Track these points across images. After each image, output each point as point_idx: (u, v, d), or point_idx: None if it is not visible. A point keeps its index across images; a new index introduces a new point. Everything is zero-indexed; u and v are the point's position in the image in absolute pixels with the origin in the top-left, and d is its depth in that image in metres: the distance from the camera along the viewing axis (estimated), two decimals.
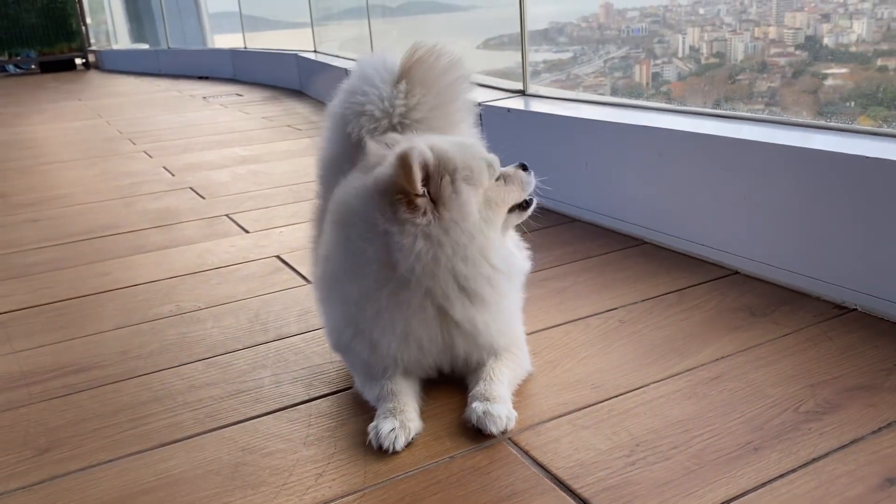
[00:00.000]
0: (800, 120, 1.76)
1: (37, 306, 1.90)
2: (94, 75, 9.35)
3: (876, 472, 1.04)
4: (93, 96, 7.05)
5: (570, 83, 3.23)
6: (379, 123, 1.37)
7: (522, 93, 2.65)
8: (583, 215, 2.20)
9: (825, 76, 2.22)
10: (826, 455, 1.09)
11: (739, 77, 2.47)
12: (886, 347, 1.37)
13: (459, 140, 1.27)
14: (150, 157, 3.80)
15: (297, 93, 5.90)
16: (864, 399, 1.22)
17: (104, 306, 1.87)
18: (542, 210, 2.29)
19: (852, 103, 2.22)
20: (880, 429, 1.14)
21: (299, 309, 1.75)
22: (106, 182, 3.30)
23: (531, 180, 1.30)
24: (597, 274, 1.83)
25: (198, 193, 2.96)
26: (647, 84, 2.83)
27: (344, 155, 1.38)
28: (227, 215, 2.61)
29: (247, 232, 2.41)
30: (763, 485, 1.04)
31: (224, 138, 4.20)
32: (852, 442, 1.11)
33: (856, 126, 1.64)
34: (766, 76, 2.36)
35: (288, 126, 4.45)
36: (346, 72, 4.41)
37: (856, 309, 1.52)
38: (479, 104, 2.53)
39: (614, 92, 2.98)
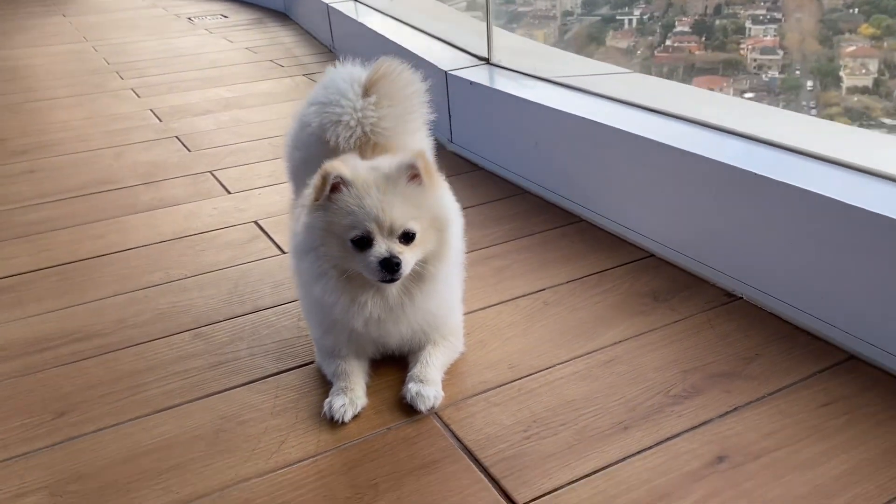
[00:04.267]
0: (720, 124, 1.97)
1: (40, 269, 2.15)
2: None
3: (712, 451, 1.34)
4: (77, 11, 7.00)
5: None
6: (353, 131, 1.59)
7: (487, 61, 2.82)
8: (532, 188, 2.44)
9: None
10: (678, 435, 1.39)
11: None
12: (755, 337, 1.65)
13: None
14: (138, 96, 3.95)
15: (282, 16, 5.94)
16: (723, 385, 1.51)
17: (101, 271, 2.13)
18: (499, 179, 2.54)
19: (856, 10, 2.38)
20: (727, 412, 1.44)
21: (273, 281, 2.01)
22: (96, 126, 3.48)
23: (372, 266, 1.36)
24: (535, 253, 2.08)
25: (184, 144, 3.16)
26: None
27: (319, 157, 1.61)
28: (210, 172, 2.83)
29: (228, 192, 2.63)
30: (624, 459, 1.34)
31: (208, 74, 4.33)
32: (702, 424, 1.41)
33: (763, 136, 1.85)
34: None
35: (270, 61, 4.57)
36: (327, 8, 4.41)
37: (742, 298, 1.80)
38: (445, 72, 2.72)
39: None
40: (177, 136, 3.26)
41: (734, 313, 1.75)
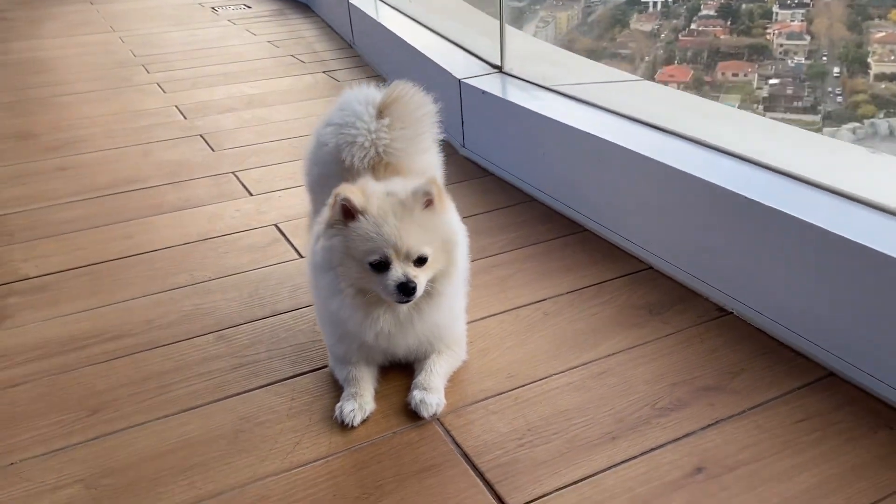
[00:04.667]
0: (718, 144, 2.05)
1: (73, 269, 2.28)
2: None
3: (692, 462, 1.45)
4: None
5: None
6: (367, 152, 1.71)
7: (500, 69, 2.91)
8: (539, 196, 2.53)
9: None
10: (662, 446, 1.49)
11: None
12: (742, 351, 1.75)
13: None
14: (164, 91, 4.08)
15: (304, 7, 6.03)
16: (708, 399, 1.61)
17: (129, 272, 2.26)
18: (508, 186, 2.64)
19: None
20: (709, 425, 1.54)
21: (291, 285, 2.13)
22: (123, 123, 3.61)
23: (390, 289, 1.48)
24: (538, 262, 2.19)
25: (207, 143, 3.28)
26: None
27: (335, 174, 1.72)
28: (233, 173, 2.95)
29: (250, 194, 2.75)
30: (610, 468, 1.45)
31: (231, 69, 4.44)
32: (685, 436, 1.52)
33: (759, 159, 1.93)
34: None
35: (291, 56, 4.67)
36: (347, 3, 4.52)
37: (732, 312, 1.89)
38: (459, 80, 2.82)
39: None
40: (201, 135, 3.38)
41: (724, 328, 1.84)
